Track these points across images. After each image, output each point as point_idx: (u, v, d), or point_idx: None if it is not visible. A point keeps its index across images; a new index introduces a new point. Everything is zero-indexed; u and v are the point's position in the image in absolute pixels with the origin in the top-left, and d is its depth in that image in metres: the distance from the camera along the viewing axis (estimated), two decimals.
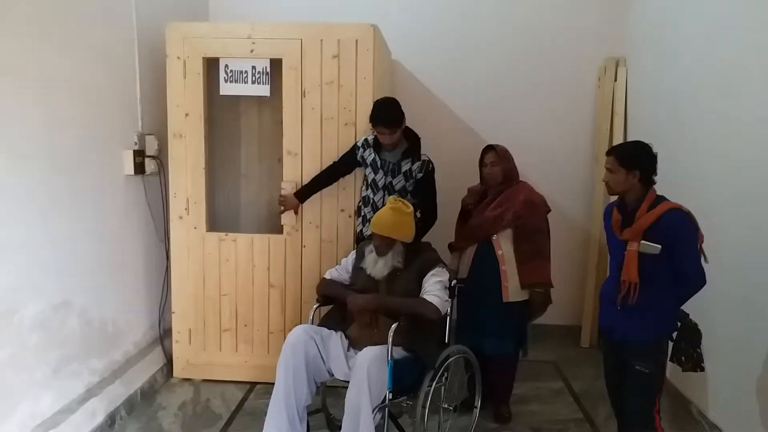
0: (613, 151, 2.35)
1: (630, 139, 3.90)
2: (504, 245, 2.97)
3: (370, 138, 3.16)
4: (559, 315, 4.45)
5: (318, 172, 3.29)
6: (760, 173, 2.60)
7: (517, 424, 3.10)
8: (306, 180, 3.31)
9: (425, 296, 2.56)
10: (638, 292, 2.27)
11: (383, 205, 2.84)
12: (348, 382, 2.45)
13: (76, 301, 2.73)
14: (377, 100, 3.06)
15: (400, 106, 3.02)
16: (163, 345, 3.54)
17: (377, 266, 2.68)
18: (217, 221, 3.58)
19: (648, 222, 2.23)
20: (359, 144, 3.20)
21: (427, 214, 3.16)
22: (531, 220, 2.95)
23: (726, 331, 2.87)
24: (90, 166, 2.85)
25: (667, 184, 2.87)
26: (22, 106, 2.35)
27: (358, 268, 2.78)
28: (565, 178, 4.31)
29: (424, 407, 2.44)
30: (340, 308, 2.72)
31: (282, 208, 3.32)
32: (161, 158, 3.40)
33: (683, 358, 2.32)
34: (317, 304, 2.75)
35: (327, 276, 2.83)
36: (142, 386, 3.23)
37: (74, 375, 2.73)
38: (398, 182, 3.14)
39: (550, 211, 3.06)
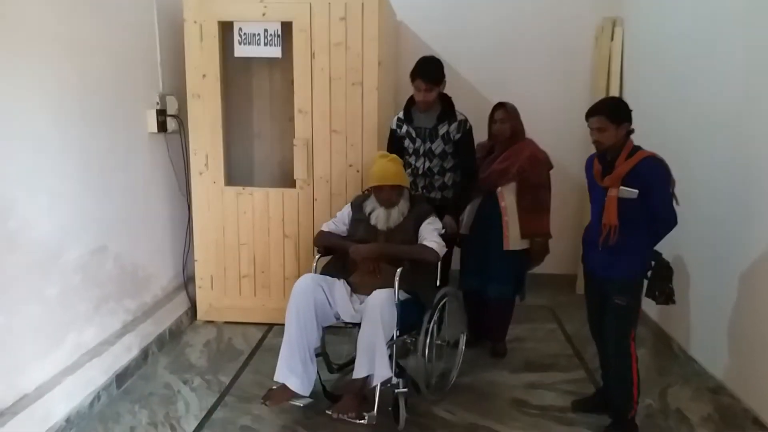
0: (601, 111, 2.50)
1: (625, 97, 4.09)
2: (507, 197, 3.19)
3: (400, 114, 3.28)
4: (556, 264, 4.70)
5: (327, 135, 3.55)
6: (741, 129, 2.81)
7: (513, 358, 3.41)
8: (318, 143, 3.55)
9: (425, 242, 2.75)
10: (617, 234, 2.51)
11: (424, 171, 3.21)
12: (353, 324, 2.72)
13: (111, 247, 3.02)
14: (422, 57, 3.15)
15: (442, 67, 3.11)
16: (187, 290, 3.86)
17: (391, 217, 2.85)
18: (233, 177, 3.84)
19: (626, 169, 2.45)
20: (393, 126, 3.32)
21: (469, 174, 3.25)
22: (534, 174, 3.17)
23: (700, 270, 3.14)
24: (118, 125, 3.10)
25: (656, 137, 3.10)
26: (59, 70, 2.59)
27: (356, 220, 2.94)
28: (562, 134, 4.51)
29: (425, 342, 2.69)
30: (341, 258, 2.88)
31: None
32: (181, 117, 3.64)
33: (657, 292, 2.58)
34: (319, 255, 2.92)
35: (324, 228, 2.97)
36: (170, 326, 3.56)
37: (111, 313, 3.04)
38: (437, 147, 3.21)
39: (553, 167, 3.28)
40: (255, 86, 4.07)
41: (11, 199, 2.30)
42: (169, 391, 2.97)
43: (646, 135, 2.88)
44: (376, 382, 2.54)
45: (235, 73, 3.84)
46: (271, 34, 3.48)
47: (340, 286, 2.81)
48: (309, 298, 2.66)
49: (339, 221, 3.00)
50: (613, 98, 2.60)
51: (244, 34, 3.49)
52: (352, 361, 2.69)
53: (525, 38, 4.51)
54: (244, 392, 2.97)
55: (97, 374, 2.81)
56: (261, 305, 3.80)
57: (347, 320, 2.76)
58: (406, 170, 3.20)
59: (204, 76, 3.55)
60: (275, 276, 3.77)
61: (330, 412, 2.54)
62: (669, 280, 2.56)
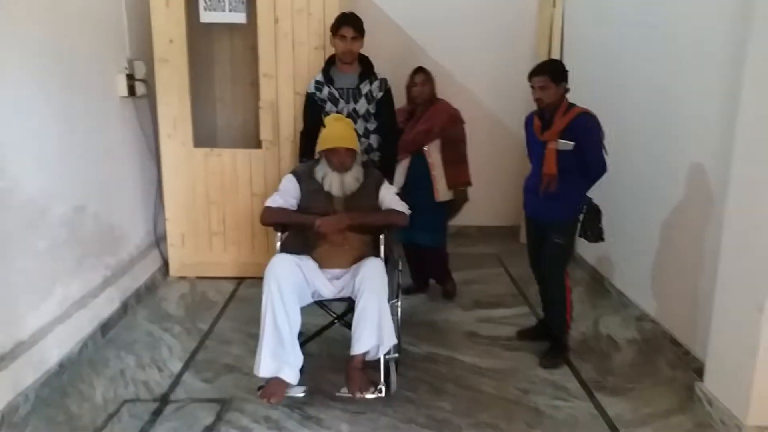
0: (544, 71, 2.79)
1: (565, 59, 4.44)
2: (434, 154, 3.47)
3: (318, 76, 3.27)
4: (502, 216, 5.15)
5: (291, 98, 3.70)
6: (668, 91, 3.17)
7: (463, 298, 3.78)
8: (282, 105, 3.73)
9: (394, 207, 2.74)
10: (556, 182, 2.86)
11: None
12: (336, 299, 2.66)
13: (90, 206, 3.18)
14: (342, 12, 3.25)
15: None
16: (159, 248, 4.05)
17: (346, 182, 2.73)
18: (199, 139, 4.01)
19: (563, 124, 2.78)
20: (311, 90, 3.28)
21: (391, 133, 3.36)
22: (454, 131, 3.49)
23: (629, 218, 3.56)
24: (92, 89, 3.22)
25: (593, 95, 3.46)
26: (38, 38, 2.69)
27: (311, 191, 2.76)
28: (508, 94, 4.85)
29: (398, 298, 2.85)
30: (300, 233, 2.71)
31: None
32: (149, 81, 3.77)
33: (588, 232, 2.96)
34: (280, 233, 2.73)
35: (272, 204, 2.71)
36: (146, 282, 3.76)
37: (93, 268, 3.22)
38: (361, 107, 3.25)
39: (465, 123, 3.58)
40: (216, 51, 4.21)
41: (2, 161, 2.44)
42: (151, 338, 3.20)
43: (584, 93, 3.24)
44: (384, 350, 2.52)
45: (198, 38, 3.97)
46: (235, 0, 3.62)
47: (310, 264, 2.63)
48: (290, 280, 2.48)
49: (287, 194, 2.76)
50: (554, 60, 2.93)
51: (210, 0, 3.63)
52: (315, 335, 2.80)
53: (476, 4, 4.79)
54: (223, 336, 3.22)
55: (84, 324, 3.01)
56: (232, 260, 4.03)
57: (328, 297, 2.66)
58: None
59: (171, 41, 3.68)
60: (245, 232, 4.00)
61: (346, 393, 2.45)
62: (598, 221, 2.94)
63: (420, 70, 3.49)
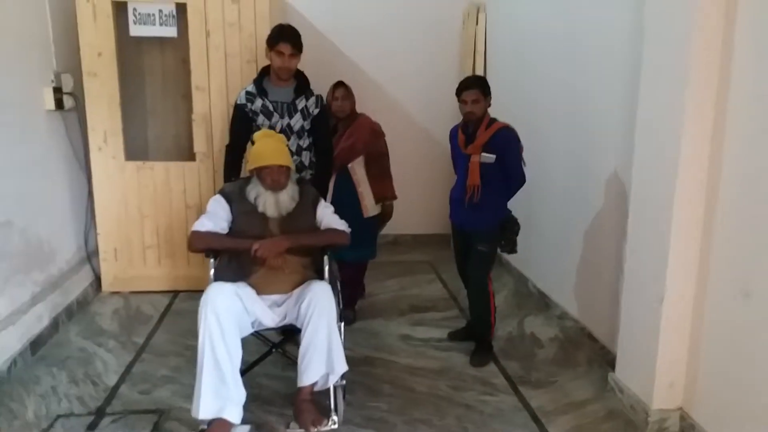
0: (476, 85, 2.95)
1: (488, 75, 4.69)
2: (358, 171, 3.47)
3: (250, 87, 3.12)
4: (434, 225, 5.34)
5: (224, 110, 3.71)
6: (584, 102, 3.40)
7: (400, 303, 3.92)
8: (216, 117, 3.77)
9: (335, 226, 2.67)
10: (480, 193, 3.02)
11: None
12: (276, 328, 2.58)
13: (16, 222, 3.11)
14: (278, 24, 3.11)
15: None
16: (91, 263, 3.98)
17: (281, 202, 2.59)
18: (130, 152, 3.98)
19: (486, 138, 2.97)
20: (241, 101, 3.10)
21: (327, 151, 3.26)
22: (377, 145, 3.51)
23: (551, 225, 3.81)
24: (15, 102, 3.16)
25: (513, 109, 3.68)
26: None
27: (244, 213, 2.60)
28: (435, 108, 5.06)
29: (341, 321, 2.63)
30: (235, 258, 2.56)
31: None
32: (77, 94, 3.72)
33: (503, 242, 3.15)
34: (212, 259, 2.57)
35: (201, 228, 2.53)
36: (77, 298, 3.69)
37: (20, 285, 3.14)
38: (296, 122, 3.12)
39: (385, 135, 3.60)
40: (147, 65, 4.18)
41: None
42: (84, 354, 3.16)
43: (505, 108, 3.46)
44: (335, 380, 2.45)
45: (128, 51, 3.95)
46: (166, 15, 3.65)
47: (249, 291, 2.48)
48: (229, 311, 2.32)
49: (217, 217, 2.58)
50: (479, 76, 3.13)
51: (139, 14, 3.64)
52: (254, 365, 2.67)
53: (401, 20, 4.99)
54: (159, 349, 3.22)
55: (12, 341, 2.94)
56: (166, 273, 4.01)
57: (270, 326, 2.53)
58: None
59: (99, 54, 3.66)
60: (179, 245, 3.99)
61: (297, 429, 2.36)
62: (515, 234, 3.13)
63: (340, 84, 3.45)
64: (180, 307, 3.80)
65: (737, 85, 2.14)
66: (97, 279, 4.00)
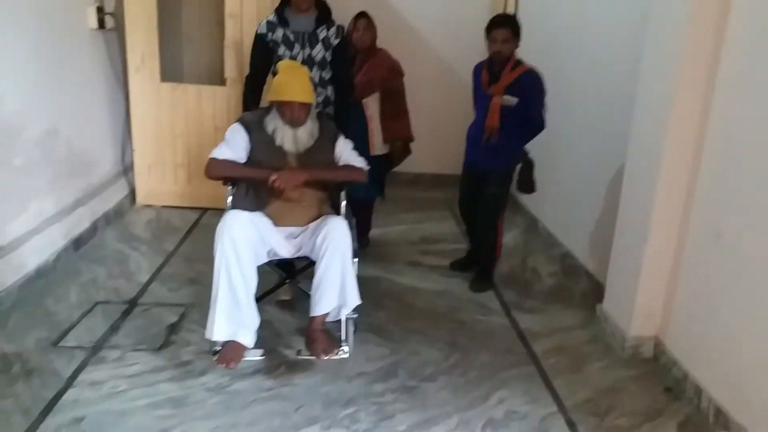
0: (508, 24, 2.95)
1: (521, 16, 4.71)
2: (372, 107, 3.43)
3: (271, 17, 3.06)
4: (454, 166, 5.45)
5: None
6: (611, 56, 3.42)
7: (412, 234, 4.15)
8: (246, 45, 3.85)
9: (353, 163, 2.64)
10: (498, 135, 3.05)
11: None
12: (292, 259, 2.58)
13: (62, 131, 3.38)
14: None
15: None
16: (126, 177, 4.28)
17: (299, 138, 2.56)
18: (166, 74, 4.20)
19: (510, 80, 2.96)
20: (262, 30, 3.05)
21: (347, 84, 3.17)
22: (394, 84, 3.46)
23: (568, 169, 3.94)
24: (63, 20, 3.39)
25: (543, 54, 3.75)
26: None
27: (261, 143, 2.56)
28: (465, 48, 5.10)
29: (356, 257, 2.58)
30: (252, 187, 2.56)
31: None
32: (118, 15, 3.92)
33: (522, 183, 3.26)
34: (230, 186, 2.58)
35: (218, 156, 2.52)
36: (114, 207, 4.01)
37: (64, 188, 3.45)
38: (318, 52, 3.05)
39: (404, 75, 3.55)
40: None
41: None
42: (120, 255, 3.49)
43: (536, 51, 3.52)
44: (347, 312, 2.50)
45: None
46: None
47: (266, 221, 2.49)
48: (245, 238, 2.35)
49: (236, 146, 2.55)
50: (510, 16, 3.08)
51: None
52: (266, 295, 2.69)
53: None
54: (187, 256, 3.53)
55: (58, 237, 3.28)
56: (195, 191, 4.29)
57: (285, 256, 2.56)
58: None
59: None
60: None
61: (310, 356, 2.41)
62: (532, 174, 3.25)
63: (362, 15, 3.36)
64: (207, 222, 4.09)
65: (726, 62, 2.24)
66: (132, 192, 4.31)
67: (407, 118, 3.58)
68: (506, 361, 2.63)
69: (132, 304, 2.90)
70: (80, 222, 3.54)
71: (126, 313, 2.80)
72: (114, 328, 2.67)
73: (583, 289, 3.41)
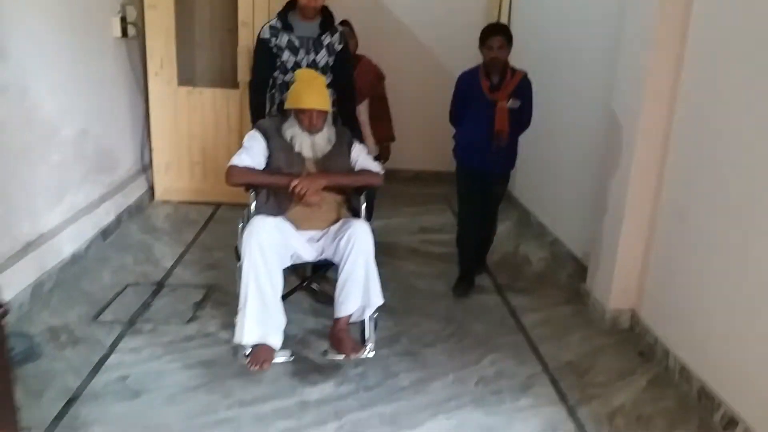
0: (503, 31, 3.03)
1: (513, 25, 5.04)
2: (363, 114, 3.54)
3: (273, 21, 3.06)
4: (450, 164, 5.78)
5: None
6: (601, 61, 3.82)
7: (411, 225, 4.46)
8: None
9: (369, 168, 2.71)
10: (507, 138, 3.09)
11: None
12: (315, 263, 2.66)
13: (91, 131, 3.70)
14: None
15: None
16: (146, 174, 4.59)
17: (317, 144, 2.63)
18: (183, 78, 4.50)
19: (514, 85, 3.07)
20: (265, 36, 3.04)
21: (351, 89, 3.21)
22: (380, 88, 3.65)
23: (562, 166, 4.26)
24: (92, 29, 3.71)
25: (536, 58, 4.06)
26: None
27: (280, 149, 2.63)
28: (461, 52, 5.40)
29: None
30: (273, 193, 2.62)
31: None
32: (138, 24, 4.24)
33: None
34: (252, 192, 2.64)
35: (238, 163, 2.55)
36: (135, 201, 4.32)
37: (93, 184, 3.76)
38: (321, 58, 3.07)
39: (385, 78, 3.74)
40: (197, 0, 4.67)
41: (25, 86, 2.95)
42: (144, 244, 3.80)
43: (528, 56, 3.82)
44: (371, 311, 2.56)
45: None
46: None
47: (288, 226, 2.55)
48: (272, 243, 2.40)
49: (255, 153, 2.60)
50: (503, 24, 3.30)
51: None
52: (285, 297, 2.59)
53: None
54: (205, 245, 3.84)
55: (88, 228, 3.58)
56: (210, 187, 4.60)
57: (308, 260, 2.63)
58: (283, 90, 3.03)
59: None
60: (222, 163, 4.44)
61: (338, 356, 2.45)
62: None
63: (345, 23, 3.41)
64: (222, 215, 4.40)
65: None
66: (151, 188, 4.62)
67: (391, 118, 3.76)
68: (498, 331, 2.94)
69: (159, 285, 3.21)
70: (107, 215, 3.85)
71: (155, 293, 3.11)
72: (145, 306, 2.98)
73: (569, 272, 3.71)
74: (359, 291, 2.48)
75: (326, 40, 3.08)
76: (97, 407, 2.21)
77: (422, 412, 2.29)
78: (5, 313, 1.31)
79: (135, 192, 4.37)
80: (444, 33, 5.47)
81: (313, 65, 3.05)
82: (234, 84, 4.46)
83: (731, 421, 2.21)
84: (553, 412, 2.34)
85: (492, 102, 3.08)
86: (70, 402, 2.22)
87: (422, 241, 4.15)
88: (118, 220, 4.00)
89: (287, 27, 3.03)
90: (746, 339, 2.19)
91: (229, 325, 2.73)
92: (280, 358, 2.46)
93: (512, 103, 3.07)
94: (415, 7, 5.39)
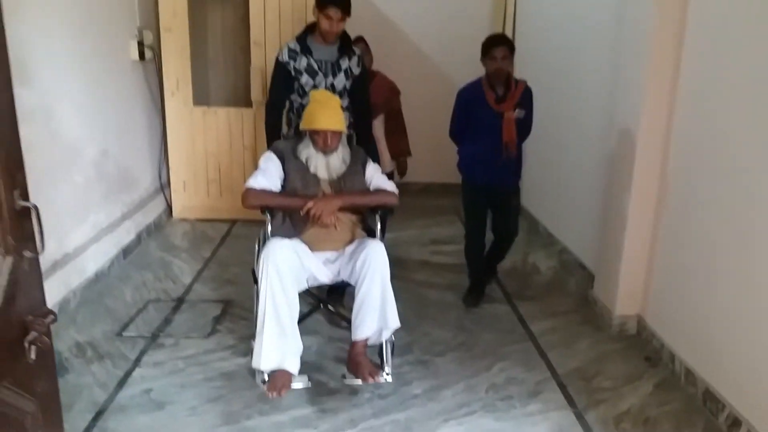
0: (506, 42, 3.03)
1: (517, 37, 5.14)
2: (378, 128, 3.58)
3: (292, 44, 3.10)
4: (458, 176, 5.88)
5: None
6: (600, 72, 3.91)
7: (422, 237, 4.56)
8: (270, 70, 4.26)
9: (384, 187, 2.69)
10: (515, 148, 3.10)
11: None
12: (331, 285, 2.71)
13: (111, 151, 3.84)
14: None
15: None
16: (164, 193, 4.74)
17: (332, 164, 2.64)
18: (198, 98, 4.65)
19: (518, 95, 3.08)
20: (284, 59, 3.08)
21: (368, 112, 3.29)
22: (396, 103, 3.69)
23: (566, 173, 4.33)
24: (111, 53, 3.87)
25: (538, 69, 4.15)
26: (67, 9, 3.33)
27: (296, 170, 2.63)
28: (466, 65, 5.52)
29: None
30: (288, 215, 2.63)
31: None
32: (155, 47, 4.40)
33: None
34: (268, 215, 2.62)
35: (255, 185, 2.55)
36: (154, 220, 4.46)
37: (114, 203, 3.90)
38: (339, 82, 3.11)
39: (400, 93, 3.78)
40: (210, 22, 4.83)
41: (50, 109, 3.10)
42: (164, 261, 3.93)
43: (532, 66, 3.91)
44: (388, 334, 2.54)
45: (196, 9, 4.59)
46: None
47: (304, 248, 2.54)
48: (289, 266, 2.39)
49: (270, 175, 2.61)
50: (504, 35, 3.36)
51: None
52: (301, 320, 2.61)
53: None
54: (223, 261, 3.96)
55: (110, 247, 3.72)
56: (226, 204, 4.73)
57: (324, 282, 2.65)
58: (300, 113, 3.03)
59: (174, 13, 4.32)
60: (237, 180, 4.69)
61: (356, 381, 2.43)
62: None
63: (360, 40, 3.44)
64: (238, 232, 4.53)
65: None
66: (169, 207, 4.76)
67: (406, 133, 3.80)
68: (507, 339, 3.02)
69: (180, 301, 3.33)
70: (127, 233, 3.99)
71: (175, 309, 3.23)
72: (167, 321, 3.10)
73: (578, 280, 3.78)
74: (376, 312, 2.46)
75: (344, 63, 3.14)
76: (123, 420, 2.32)
77: (434, 419, 2.38)
78: (54, 320, 1.42)
79: (154, 210, 4.52)
80: (450, 46, 5.59)
81: (331, 89, 3.09)
82: (247, 103, 4.60)
83: (735, 422, 2.27)
84: (562, 416, 2.41)
85: (498, 113, 3.08)
86: (98, 415, 2.34)
87: (433, 253, 4.24)
88: (138, 239, 4.14)
89: (306, 50, 3.08)
90: (749, 341, 2.25)
91: (247, 337, 2.86)
92: (298, 384, 2.42)
93: (518, 113, 3.09)
94: (422, 21, 5.53)
